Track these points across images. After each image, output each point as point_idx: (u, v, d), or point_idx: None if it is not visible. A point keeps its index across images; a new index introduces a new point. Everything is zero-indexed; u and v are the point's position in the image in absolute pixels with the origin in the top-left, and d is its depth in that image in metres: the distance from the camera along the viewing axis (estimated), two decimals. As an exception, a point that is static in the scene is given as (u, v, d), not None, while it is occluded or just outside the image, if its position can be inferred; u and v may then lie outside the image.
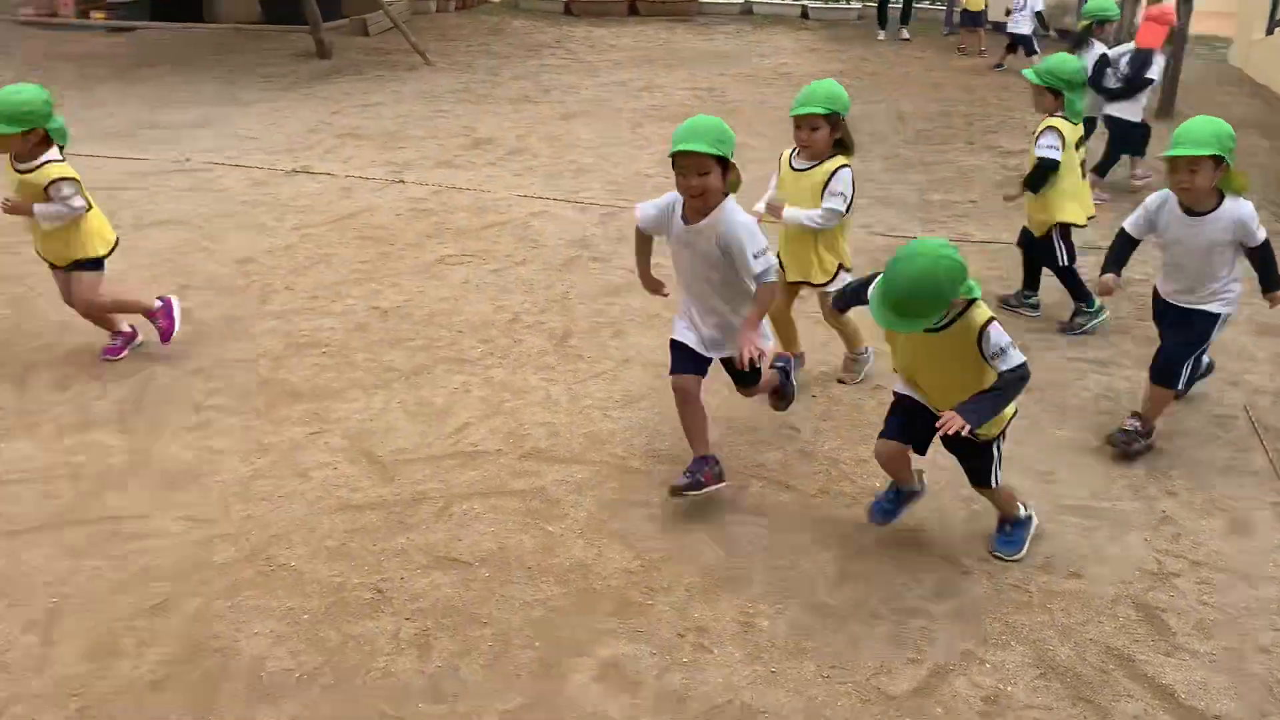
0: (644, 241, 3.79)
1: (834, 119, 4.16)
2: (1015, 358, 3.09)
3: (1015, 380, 3.11)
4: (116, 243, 4.63)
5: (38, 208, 4.32)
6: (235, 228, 6.36)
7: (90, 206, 4.46)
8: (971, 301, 3.07)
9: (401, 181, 7.33)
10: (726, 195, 3.48)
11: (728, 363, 3.74)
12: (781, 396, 4.11)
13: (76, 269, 4.52)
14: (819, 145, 4.19)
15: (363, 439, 4.06)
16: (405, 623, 3.06)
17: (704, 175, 3.36)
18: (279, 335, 4.93)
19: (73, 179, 4.34)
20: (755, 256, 3.43)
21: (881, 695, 2.82)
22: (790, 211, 4.20)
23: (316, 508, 3.61)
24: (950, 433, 3.01)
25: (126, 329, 4.74)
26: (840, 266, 4.33)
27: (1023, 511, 3.52)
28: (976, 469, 3.41)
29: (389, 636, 3.02)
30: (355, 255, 5.94)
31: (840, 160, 4.20)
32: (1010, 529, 3.50)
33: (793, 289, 4.45)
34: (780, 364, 4.08)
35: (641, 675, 2.89)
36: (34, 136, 4.31)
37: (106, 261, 4.60)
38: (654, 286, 3.85)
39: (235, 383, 4.48)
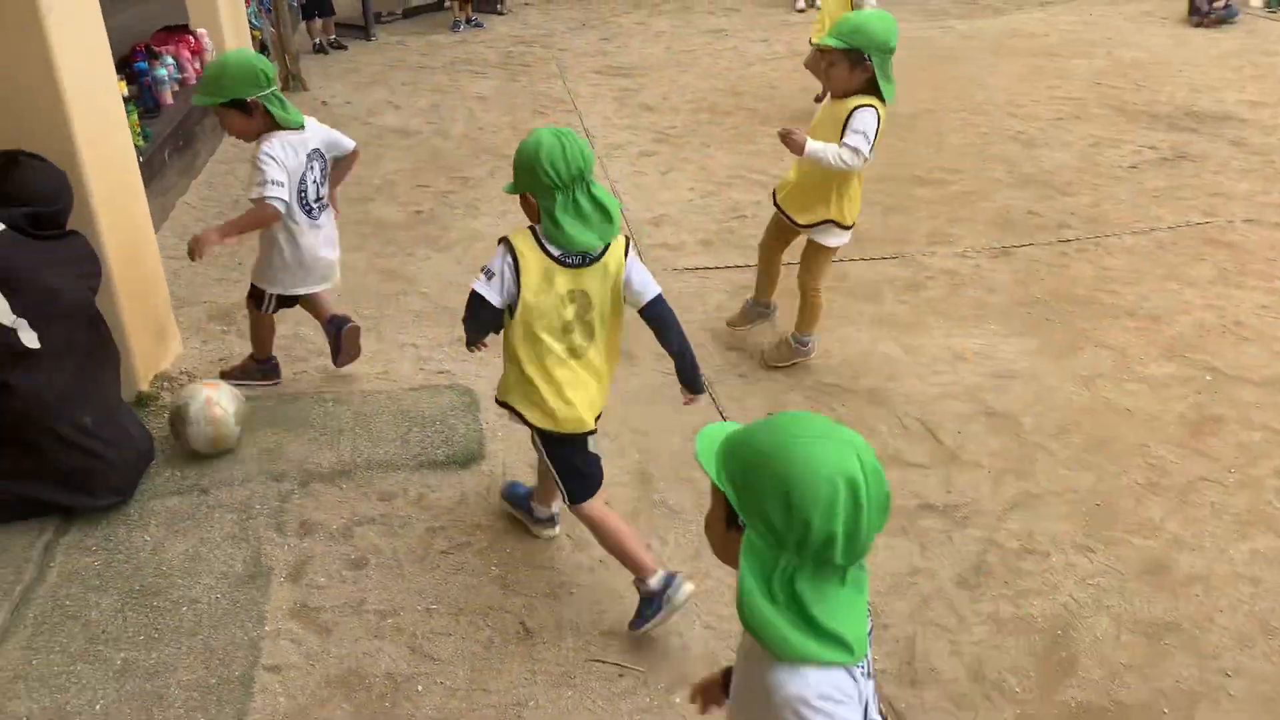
0: None
1: (854, 55, 3.65)
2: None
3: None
4: None
5: None
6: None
7: None
8: None
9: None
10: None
11: None
12: None
13: None
14: (835, 82, 3.78)
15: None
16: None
17: None
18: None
19: None
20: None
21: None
22: (812, 145, 3.74)
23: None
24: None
25: None
26: (835, 223, 3.94)
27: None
28: None
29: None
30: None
31: (861, 99, 3.72)
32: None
33: (789, 232, 4.19)
34: None
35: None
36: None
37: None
38: None
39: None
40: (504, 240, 2.75)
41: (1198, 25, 9.77)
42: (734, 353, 4.44)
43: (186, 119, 6.61)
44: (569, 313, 2.76)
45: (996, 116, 7.46)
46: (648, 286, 2.84)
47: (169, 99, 6.61)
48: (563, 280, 2.72)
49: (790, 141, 3.79)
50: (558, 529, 3.35)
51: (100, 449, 3.33)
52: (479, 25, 11.10)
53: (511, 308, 2.76)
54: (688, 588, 2.86)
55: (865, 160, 3.76)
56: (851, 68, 3.69)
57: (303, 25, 10.14)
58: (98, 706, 2.70)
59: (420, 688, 2.76)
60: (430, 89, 8.71)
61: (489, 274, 2.72)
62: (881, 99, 3.76)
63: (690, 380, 2.93)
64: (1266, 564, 3.16)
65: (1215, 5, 9.69)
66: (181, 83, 6.92)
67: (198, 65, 7.24)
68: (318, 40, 10.10)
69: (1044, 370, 4.23)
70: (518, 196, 2.76)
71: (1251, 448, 3.70)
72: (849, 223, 4.02)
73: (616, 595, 3.07)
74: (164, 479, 3.56)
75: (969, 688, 2.75)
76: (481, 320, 2.81)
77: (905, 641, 2.91)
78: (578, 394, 2.84)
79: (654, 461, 3.71)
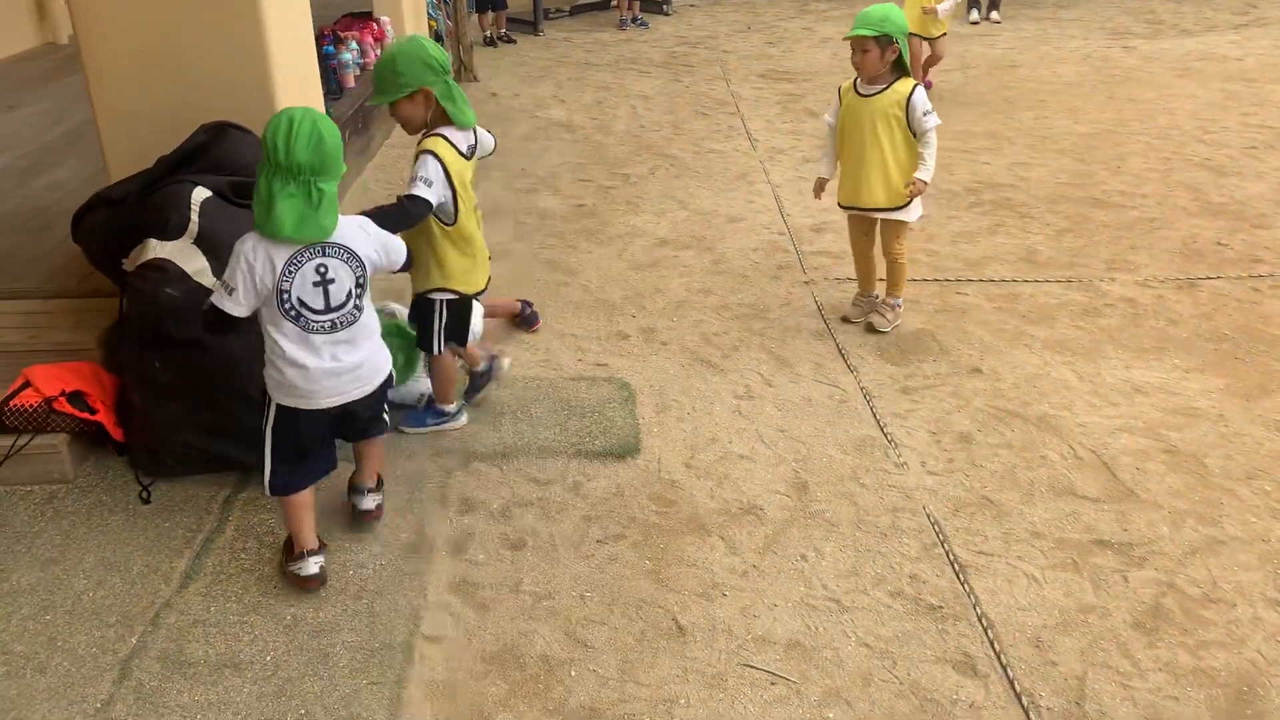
0: None
1: (884, 41, 4.11)
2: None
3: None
4: None
5: None
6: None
7: None
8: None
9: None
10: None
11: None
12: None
13: None
14: (870, 68, 4.19)
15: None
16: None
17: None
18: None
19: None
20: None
21: None
22: (925, 172, 4.21)
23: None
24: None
25: None
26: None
27: (452, 408, 3.76)
28: (421, 329, 3.61)
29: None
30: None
31: (911, 81, 4.20)
32: (428, 410, 3.80)
33: (868, 223, 4.54)
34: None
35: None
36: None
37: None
38: None
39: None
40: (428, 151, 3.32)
41: None
42: (895, 368, 4.33)
43: (366, 103, 6.86)
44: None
45: (1182, 141, 7.08)
46: None
47: (351, 82, 6.88)
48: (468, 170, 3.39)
49: (917, 189, 4.24)
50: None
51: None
52: (644, 25, 11.20)
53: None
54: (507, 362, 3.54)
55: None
56: (883, 54, 4.16)
57: (474, 18, 10.42)
58: (269, 658, 2.81)
59: (574, 672, 2.78)
60: (595, 85, 8.82)
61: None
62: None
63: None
64: None
65: None
66: (363, 67, 7.19)
67: (379, 51, 7.52)
68: (488, 33, 10.37)
69: (1231, 410, 3.98)
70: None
71: None
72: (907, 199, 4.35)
73: (770, 601, 3.03)
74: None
75: (1142, 738, 2.60)
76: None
77: (1074, 681, 2.77)
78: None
79: (810, 471, 3.65)
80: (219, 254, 3.32)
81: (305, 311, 2.74)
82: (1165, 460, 3.68)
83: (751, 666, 2.81)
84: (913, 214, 4.42)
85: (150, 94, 3.77)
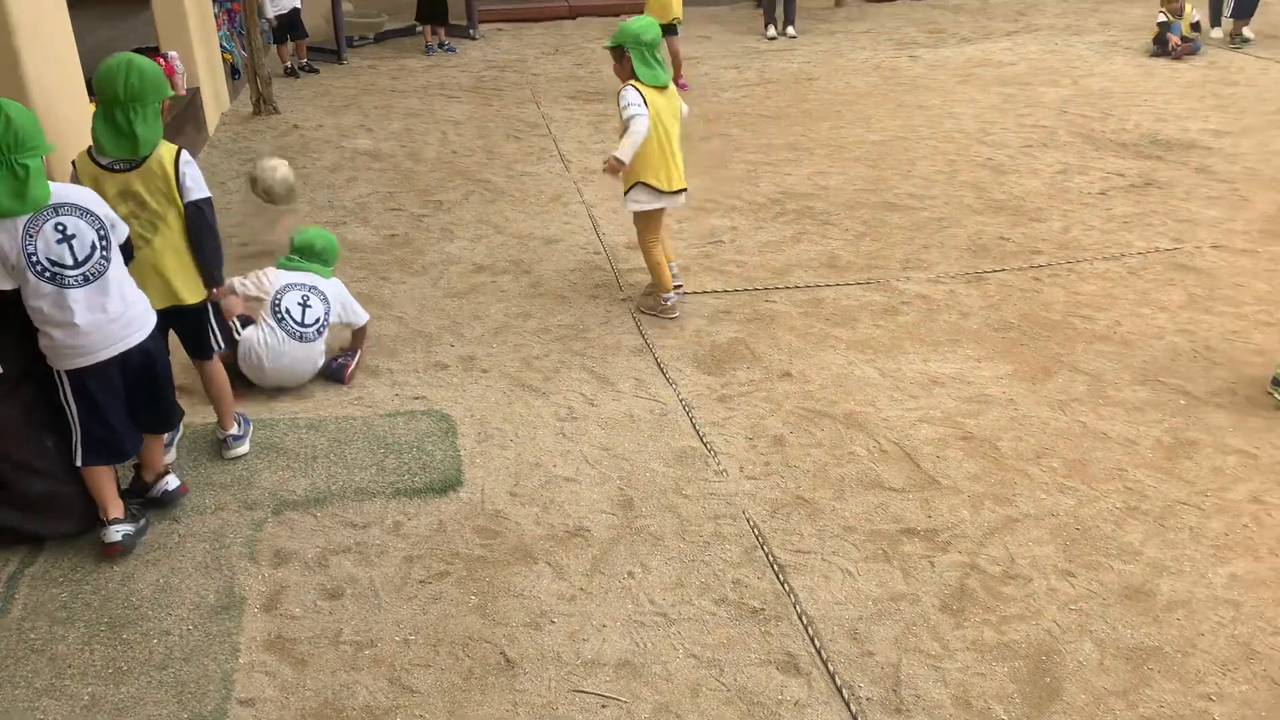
0: None
1: (617, 52, 4.73)
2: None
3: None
4: None
5: None
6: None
7: None
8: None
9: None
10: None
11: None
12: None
13: None
14: (619, 74, 4.79)
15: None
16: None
17: None
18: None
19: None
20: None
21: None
22: (622, 151, 4.64)
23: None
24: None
25: None
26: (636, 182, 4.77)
27: (236, 429, 3.83)
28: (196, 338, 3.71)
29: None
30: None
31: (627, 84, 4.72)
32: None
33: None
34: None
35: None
36: None
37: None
38: None
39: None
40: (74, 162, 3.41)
41: (1158, 56, 9.96)
42: (712, 378, 4.43)
43: (156, 141, 6.52)
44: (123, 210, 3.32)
45: (966, 143, 7.54)
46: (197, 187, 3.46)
47: (138, 121, 6.52)
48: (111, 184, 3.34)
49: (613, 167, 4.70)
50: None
51: (65, 475, 3.25)
52: (451, 50, 11.11)
53: None
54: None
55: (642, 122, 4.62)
56: (619, 61, 4.74)
57: (273, 49, 10.09)
58: (65, 744, 2.62)
59: (399, 720, 2.70)
60: (403, 112, 8.68)
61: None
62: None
63: (209, 275, 3.57)
64: (1245, 588, 3.17)
65: (1181, 45, 9.89)
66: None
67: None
68: (289, 64, 10.06)
69: (1020, 395, 4.25)
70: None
71: (1226, 472, 3.73)
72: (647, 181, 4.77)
73: (599, 623, 3.03)
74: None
75: (955, 714, 2.74)
76: None
77: (890, 669, 2.88)
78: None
79: (635, 487, 3.68)
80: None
81: (57, 269, 2.98)
82: (963, 447, 3.90)
83: (582, 692, 2.81)
84: (627, 205, 4.87)
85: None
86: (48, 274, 2.99)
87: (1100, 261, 5.50)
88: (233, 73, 9.26)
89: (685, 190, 4.88)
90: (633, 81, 4.70)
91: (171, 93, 3.49)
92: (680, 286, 5.10)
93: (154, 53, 7.41)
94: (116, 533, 3.23)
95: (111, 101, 3.27)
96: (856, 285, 5.30)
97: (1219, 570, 3.25)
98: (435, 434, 3.99)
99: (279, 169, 5.24)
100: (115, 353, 3.14)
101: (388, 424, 4.06)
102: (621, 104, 4.65)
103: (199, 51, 7.78)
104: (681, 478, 3.74)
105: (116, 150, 3.32)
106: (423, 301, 5.19)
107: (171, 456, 3.71)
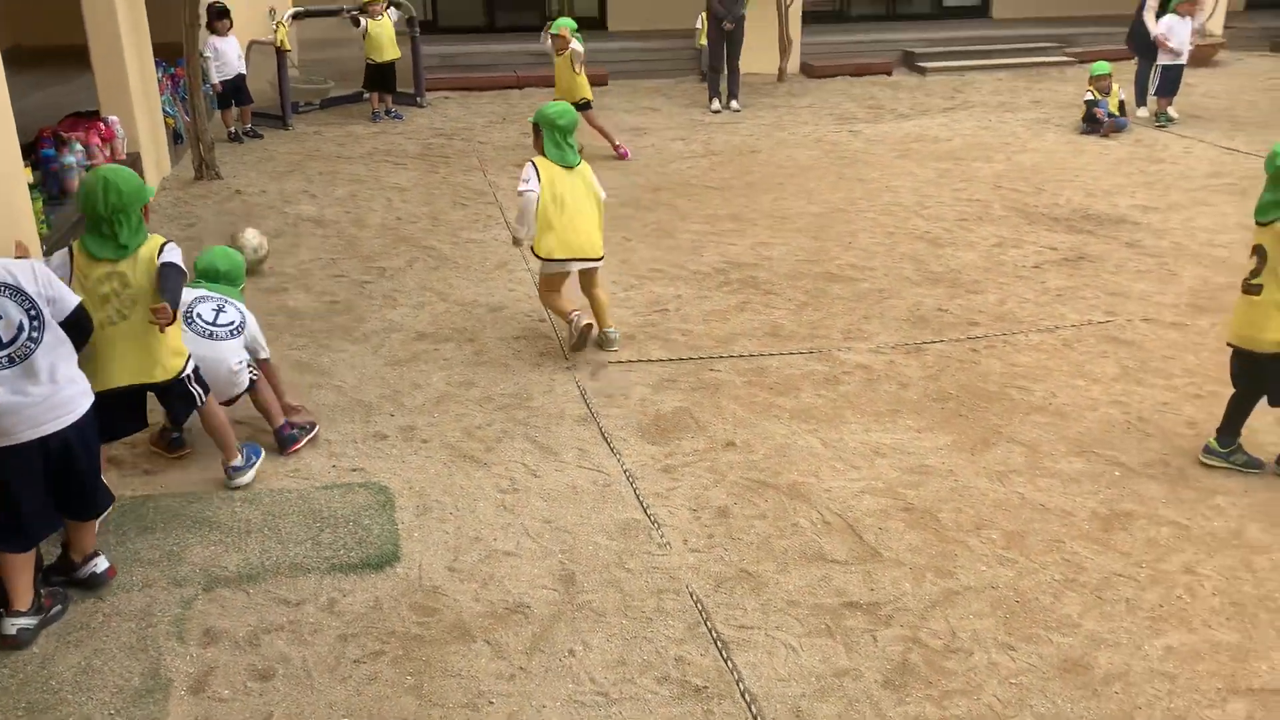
0: None
1: (535, 128, 5.25)
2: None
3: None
4: None
5: None
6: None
7: None
8: None
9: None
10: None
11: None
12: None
13: None
14: (535, 147, 5.28)
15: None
16: None
17: None
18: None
19: None
20: None
21: None
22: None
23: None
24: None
25: None
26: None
27: (238, 459, 4.01)
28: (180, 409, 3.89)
29: None
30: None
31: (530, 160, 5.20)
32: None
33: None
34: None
35: None
36: None
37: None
38: None
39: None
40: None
41: (1088, 133, 10.33)
42: (656, 447, 4.42)
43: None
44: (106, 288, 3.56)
45: (904, 216, 7.72)
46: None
47: (75, 186, 6.45)
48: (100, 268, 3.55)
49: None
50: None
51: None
52: (398, 117, 11.15)
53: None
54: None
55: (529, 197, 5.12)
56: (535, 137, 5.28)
57: (217, 114, 10.06)
58: (-30, 841, 2.48)
59: (329, 810, 2.60)
60: (348, 179, 8.67)
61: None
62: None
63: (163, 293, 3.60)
64: (1180, 660, 3.20)
65: (1108, 122, 10.28)
66: (90, 169, 6.77)
67: (108, 153, 7.11)
68: (233, 129, 10.02)
69: (959, 465, 4.30)
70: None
71: (1160, 543, 3.79)
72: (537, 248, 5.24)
73: (538, 704, 2.97)
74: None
75: (898, 794, 2.71)
76: None
77: (833, 747, 2.85)
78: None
79: (577, 561, 3.64)
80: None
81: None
82: (904, 518, 3.92)
83: (520, 775, 2.73)
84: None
85: None
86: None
87: (1035, 333, 5.62)
88: (175, 138, 9.20)
89: (591, 260, 5.23)
90: (537, 158, 5.19)
91: (152, 194, 3.56)
92: (615, 339, 5.39)
93: (94, 117, 7.35)
94: (12, 626, 3.09)
95: (96, 219, 3.52)
96: (799, 354, 5.35)
97: (1155, 642, 3.28)
98: (373, 507, 3.91)
99: (251, 240, 6.19)
100: (33, 437, 3.05)
101: (324, 496, 3.98)
102: (520, 179, 5.18)
103: (141, 116, 7.72)
104: (624, 551, 3.71)
105: (105, 253, 3.56)
106: (363, 370, 5.13)
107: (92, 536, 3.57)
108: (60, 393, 3.09)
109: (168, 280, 3.58)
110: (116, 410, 3.63)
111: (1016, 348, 5.43)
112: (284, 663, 3.10)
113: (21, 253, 4.17)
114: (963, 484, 4.16)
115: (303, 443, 4.33)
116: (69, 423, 3.11)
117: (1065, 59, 14.37)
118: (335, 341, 5.46)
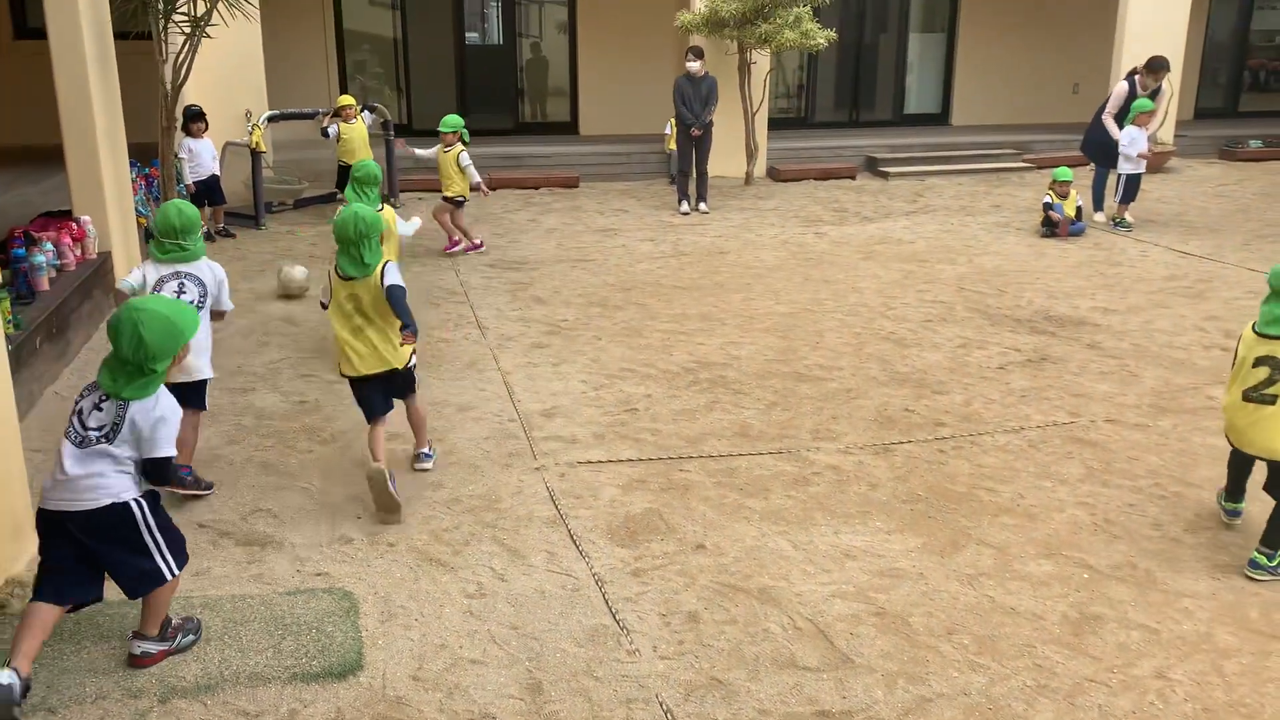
0: None
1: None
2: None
3: None
4: None
5: None
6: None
7: None
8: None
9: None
10: None
11: None
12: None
13: None
14: None
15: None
16: None
17: None
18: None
19: None
20: None
21: None
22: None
23: None
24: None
25: None
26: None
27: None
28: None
29: None
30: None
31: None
32: None
33: None
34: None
35: None
36: None
37: None
38: None
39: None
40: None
41: (1047, 237, 10.61)
42: (625, 550, 4.38)
43: (62, 306, 6.43)
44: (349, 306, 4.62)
45: (870, 317, 7.84)
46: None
47: (45, 285, 6.44)
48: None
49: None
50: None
51: None
52: (372, 217, 11.28)
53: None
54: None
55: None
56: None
57: (192, 212, 10.10)
58: None
59: None
60: (319, 279, 8.70)
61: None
62: None
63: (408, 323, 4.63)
64: (1156, 768, 3.17)
65: (1062, 223, 10.59)
66: (60, 269, 6.77)
67: (79, 252, 7.12)
68: (206, 228, 10.08)
69: (929, 568, 4.29)
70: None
71: (1131, 648, 3.78)
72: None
73: (503, 821, 2.88)
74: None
75: None
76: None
77: None
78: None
79: (544, 670, 3.57)
80: None
81: (76, 424, 3.37)
82: (875, 623, 3.89)
83: None
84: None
85: None
86: (71, 424, 3.40)
87: (1001, 434, 5.68)
88: (147, 236, 9.22)
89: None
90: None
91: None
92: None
93: (66, 216, 7.37)
94: (6, 675, 3.15)
95: (346, 242, 4.65)
96: (769, 454, 5.36)
97: (1130, 750, 3.24)
98: (336, 613, 3.84)
99: (297, 275, 7.96)
100: (54, 509, 3.34)
101: (287, 603, 3.90)
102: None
103: (113, 215, 7.75)
104: (593, 658, 3.64)
105: (351, 272, 4.64)
106: (330, 471, 5.08)
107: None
108: (88, 479, 3.33)
109: (398, 305, 4.56)
110: (373, 393, 4.76)
111: (983, 448, 5.48)
112: (240, 779, 2.99)
113: None
114: (933, 587, 4.14)
115: (186, 492, 4.60)
116: (86, 506, 3.32)
117: (1023, 164, 14.84)
118: (302, 442, 5.41)
